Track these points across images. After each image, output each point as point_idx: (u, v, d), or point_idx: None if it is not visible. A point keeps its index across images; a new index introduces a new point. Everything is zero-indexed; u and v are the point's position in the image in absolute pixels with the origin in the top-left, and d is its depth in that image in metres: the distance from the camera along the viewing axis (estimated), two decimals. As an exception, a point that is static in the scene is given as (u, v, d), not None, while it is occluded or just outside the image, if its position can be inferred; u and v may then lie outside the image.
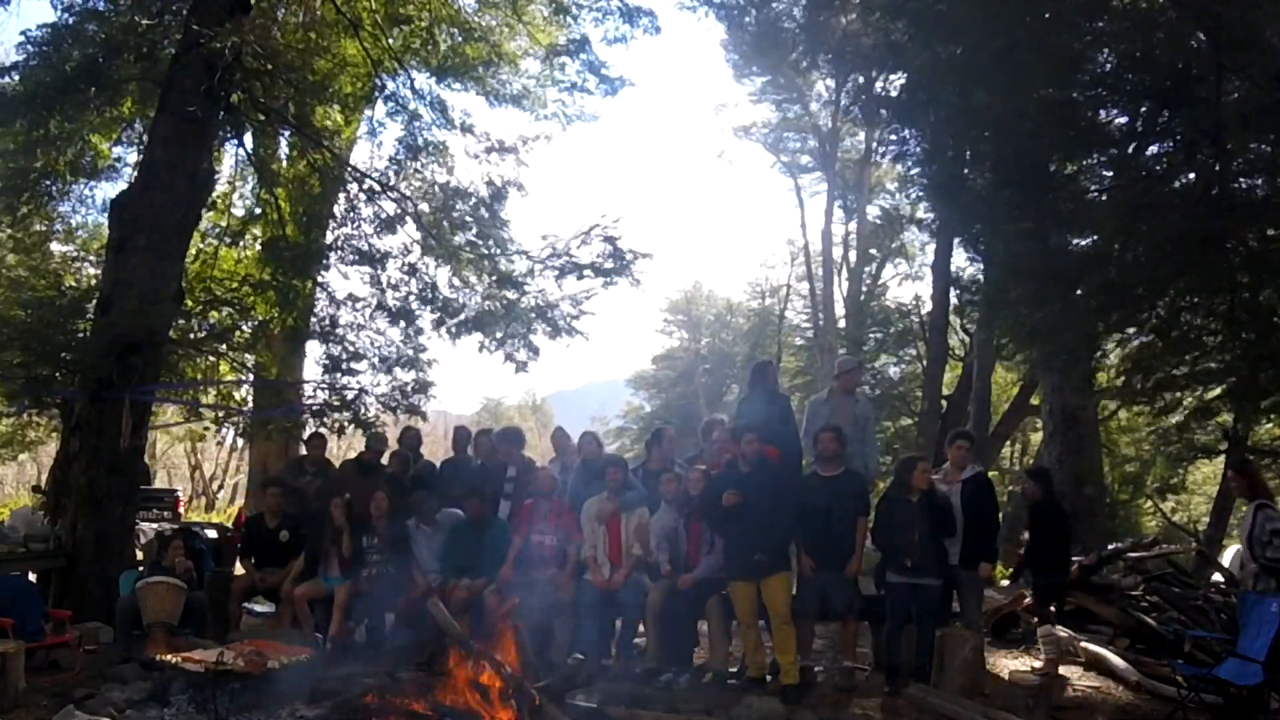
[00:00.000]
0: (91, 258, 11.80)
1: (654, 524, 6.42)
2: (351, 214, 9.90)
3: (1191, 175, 7.12)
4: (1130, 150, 7.93)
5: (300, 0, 9.99)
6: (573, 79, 11.23)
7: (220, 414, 11.37)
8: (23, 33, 13.62)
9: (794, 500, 6.02)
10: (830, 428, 6.26)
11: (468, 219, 10.08)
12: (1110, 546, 9.50)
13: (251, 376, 11.29)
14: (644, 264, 9.56)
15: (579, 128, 20.75)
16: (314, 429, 9.00)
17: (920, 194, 13.05)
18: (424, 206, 9.97)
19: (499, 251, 10.04)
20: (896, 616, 5.97)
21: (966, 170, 8.29)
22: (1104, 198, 7.70)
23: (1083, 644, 6.96)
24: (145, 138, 9.17)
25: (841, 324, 25.91)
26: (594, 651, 6.37)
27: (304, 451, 8.97)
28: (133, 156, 10.19)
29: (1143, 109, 7.72)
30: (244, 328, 10.28)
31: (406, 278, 9.89)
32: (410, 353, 9.91)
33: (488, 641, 4.72)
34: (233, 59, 7.88)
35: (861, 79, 18.25)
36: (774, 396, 7.23)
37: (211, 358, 10.06)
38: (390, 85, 10.51)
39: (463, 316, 9.89)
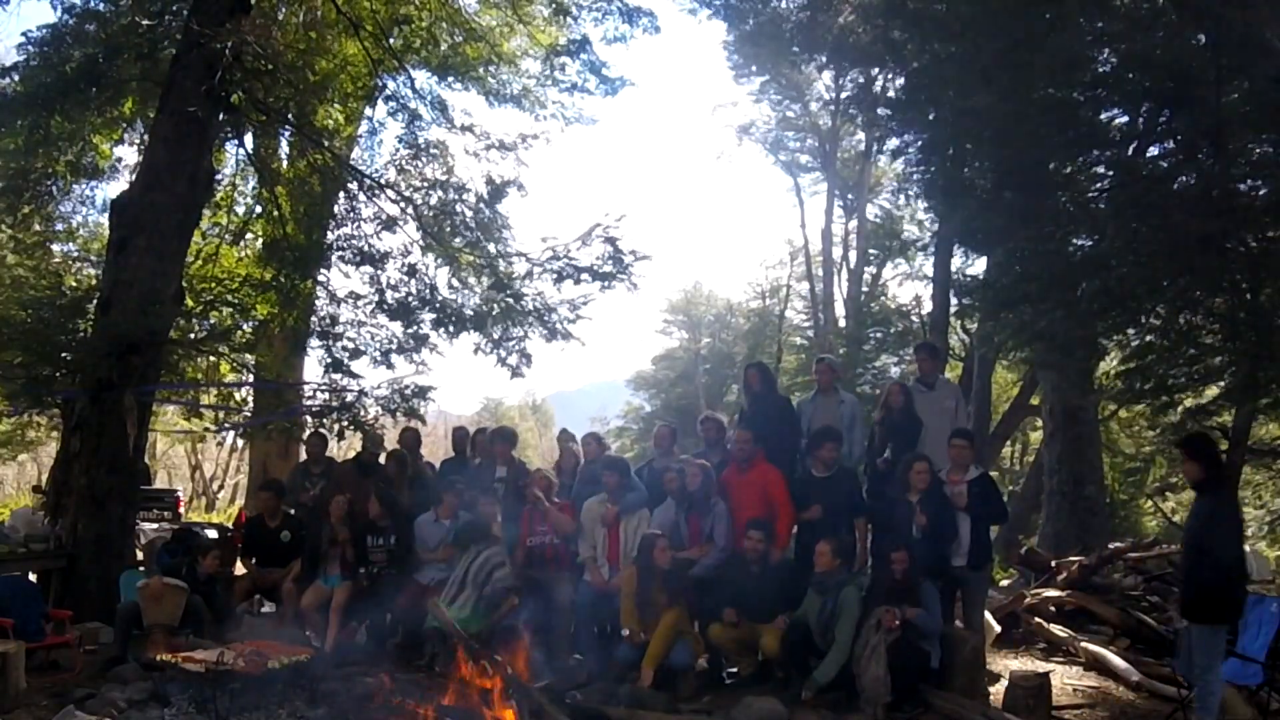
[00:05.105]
0: (91, 258, 11.80)
1: (654, 519, 6.42)
2: (352, 214, 9.90)
3: (1192, 176, 7.11)
4: (1130, 151, 7.93)
5: (300, 0, 10.00)
6: (573, 79, 11.25)
7: (220, 415, 11.35)
8: (23, 33, 13.67)
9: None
10: (830, 437, 6.30)
11: (468, 219, 10.06)
12: (1110, 546, 9.52)
13: (251, 377, 11.27)
14: (643, 266, 9.44)
15: (579, 128, 20.71)
16: (313, 429, 8.98)
17: (920, 194, 13.02)
18: (424, 205, 9.96)
19: (498, 253, 10.02)
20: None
21: (966, 171, 8.28)
22: (1104, 198, 7.69)
23: (1083, 644, 6.96)
24: (145, 138, 9.17)
25: (841, 324, 25.90)
26: (594, 651, 6.37)
27: (304, 454, 8.96)
28: (133, 156, 10.23)
29: (1143, 109, 7.71)
30: (244, 328, 10.26)
31: (406, 278, 9.88)
32: (412, 342, 9.82)
33: (488, 642, 4.73)
34: (233, 59, 7.86)
35: (861, 78, 18.24)
36: (777, 397, 7.24)
37: (212, 358, 10.04)
38: (390, 85, 10.53)
39: (460, 316, 9.87)
